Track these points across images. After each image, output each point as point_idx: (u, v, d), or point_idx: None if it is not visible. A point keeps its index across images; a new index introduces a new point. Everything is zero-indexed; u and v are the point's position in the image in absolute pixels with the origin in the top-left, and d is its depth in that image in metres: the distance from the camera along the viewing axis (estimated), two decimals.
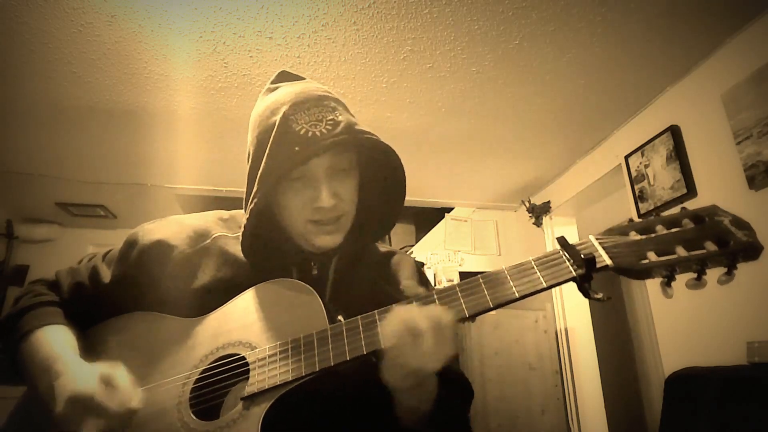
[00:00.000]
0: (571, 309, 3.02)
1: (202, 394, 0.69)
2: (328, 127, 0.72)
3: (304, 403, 0.68)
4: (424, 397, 0.67)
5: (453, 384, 0.79)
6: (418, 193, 3.31)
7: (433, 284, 3.35)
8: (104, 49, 1.85)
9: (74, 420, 0.62)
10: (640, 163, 2.30)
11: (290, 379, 0.64)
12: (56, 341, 0.74)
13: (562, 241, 0.66)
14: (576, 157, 2.85)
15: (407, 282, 0.69)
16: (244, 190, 0.79)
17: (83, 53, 1.87)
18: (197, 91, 2.13)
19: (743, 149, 1.77)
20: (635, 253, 0.62)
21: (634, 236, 0.64)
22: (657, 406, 2.17)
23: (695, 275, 0.61)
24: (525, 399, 2.79)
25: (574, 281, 0.63)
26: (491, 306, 0.63)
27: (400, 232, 4.38)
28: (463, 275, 3.32)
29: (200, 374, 0.70)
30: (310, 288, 0.72)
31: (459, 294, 0.65)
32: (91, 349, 0.76)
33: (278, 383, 0.64)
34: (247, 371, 0.67)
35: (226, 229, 0.85)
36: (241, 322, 0.73)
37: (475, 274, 0.67)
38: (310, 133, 0.71)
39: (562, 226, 3.19)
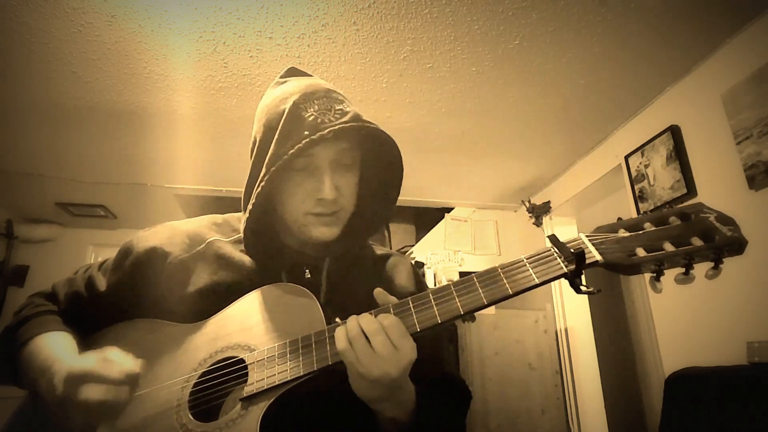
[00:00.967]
0: (571, 309, 3.02)
1: (201, 396, 0.69)
2: (336, 115, 0.73)
3: (302, 404, 0.68)
4: (401, 408, 0.67)
5: (443, 390, 0.79)
6: (418, 193, 3.31)
7: (433, 284, 3.36)
8: (104, 49, 1.85)
9: (74, 394, 0.63)
10: (640, 163, 2.30)
11: (288, 378, 0.65)
12: (56, 345, 0.75)
13: (553, 238, 0.67)
14: (576, 157, 2.85)
15: (378, 290, 0.69)
16: (243, 190, 0.79)
17: (83, 53, 1.87)
18: (197, 91, 2.13)
19: (743, 149, 1.77)
20: (624, 249, 0.64)
21: (622, 233, 0.66)
22: (657, 406, 2.17)
23: (683, 270, 0.64)
24: (525, 399, 2.79)
25: (565, 277, 0.64)
26: (485, 303, 0.64)
27: (400, 232, 4.38)
28: (463, 275, 3.32)
29: (199, 377, 0.70)
30: (308, 291, 0.73)
31: (453, 292, 0.66)
32: None
33: (277, 383, 0.65)
34: (246, 373, 0.68)
35: (220, 234, 0.85)
36: (239, 326, 0.73)
37: (475, 273, 0.68)
38: (319, 120, 0.72)
39: (562, 226, 3.19)
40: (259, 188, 0.72)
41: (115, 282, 0.82)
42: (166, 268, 0.79)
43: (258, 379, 0.66)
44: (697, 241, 0.63)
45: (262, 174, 0.73)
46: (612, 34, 1.82)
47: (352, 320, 0.64)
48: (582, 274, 0.64)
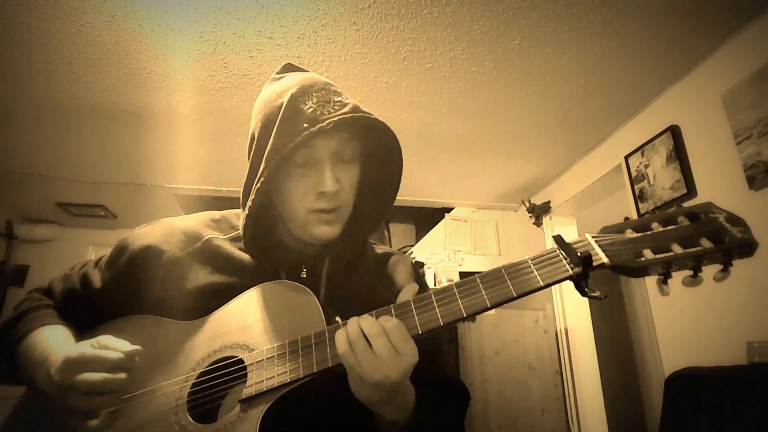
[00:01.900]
0: (571, 309, 3.02)
1: (199, 396, 0.68)
2: (335, 106, 0.72)
3: (302, 405, 0.68)
4: (401, 411, 0.67)
5: (442, 392, 0.78)
6: (418, 193, 3.31)
7: (433, 285, 3.35)
8: (104, 49, 1.85)
9: (72, 381, 0.63)
10: (640, 163, 2.30)
11: (288, 380, 0.64)
12: (52, 338, 0.75)
13: (558, 239, 0.65)
14: (576, 157, 2.85)
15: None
16: (242, 188, 0.79)
17: (83, 53, 1.87)
18: (197, 91, 2.13)
19: (743, 149, 1.77)
20: (631, 251, 0.62)
21: (630, 234, 0.64)
22: (657, 406, 2.17)
23: (691, 272, 0.61)
24: (525, 399, 2.79)
25: (570, 280, 0.62)
26: (488, 305, 0.63)
27: (400, 232, 4.38)
28: (463, 275, 3.32)
29: (197, 377, 0.70)
30: (308, 289, 0.72)
31: (456, 294, 0.65)
32: None
33: (276, 385, 0.64)
34: (245, 373, 0.67)
35: (218, 231, 0.84)
36: (238, 325, 0.72)
37: (475, 274, 0.67)
38: (318, 112, 0.71)
39: (562, 226, 3.19)
40: (259, 183, 0.71)
41: (110, 279, 0.82)
42: (161, 266, 0.78)
43: (257, 381, 0.65)
44: (706, 243, 0.61)
45: (261, 168, 0.71)
46: (612, 34, 1.82)
47: (353, 322, 0.63)
48: (588, 277, 0.62)
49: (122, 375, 0.65)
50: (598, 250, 0.63)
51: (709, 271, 0.62)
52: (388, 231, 4.25)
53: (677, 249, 0.61)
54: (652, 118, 2.27)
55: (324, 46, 1.88)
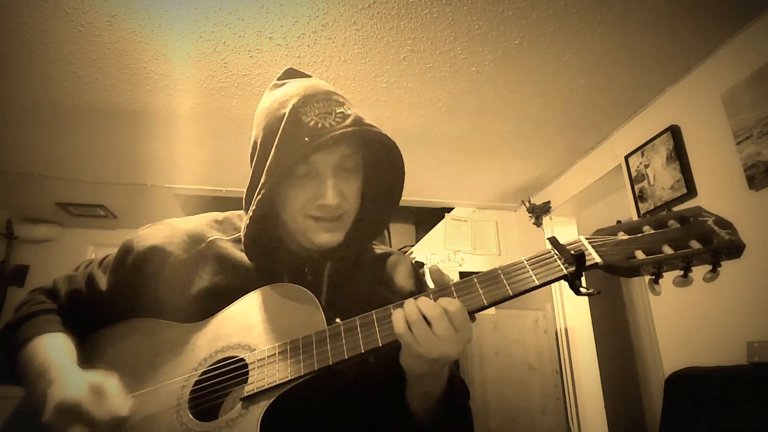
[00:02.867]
0: (571, 309, 3.02)
1: (201, 395, 0.69)
2: (337, 119, 0.72)
3: (303, 403, 0.68)
4: (439, 382, 0.70)
5: (455, 377, 0.80)
6: (418, 193, 3.31)
7: (432, 285, 3.36)
8: (104, 49, 1.85)
9: (60, 427, 0.62)
10: (640, 163, 2.30)
11: (289, 378, 0.65)
12: (53, 348, 0.74)
13: (553, 240, 0.68)
14: (576, 157, 2.85)
15: (434, 266, 0.71)
16: (244, 190, 0.79)
17: (83, 53, 1.87)
18: (197, 91, 2.13)
19: (743, 149, 1.77)
20: (623, 252, 0.65)
21: (622, 236, 0.67)
22: (657, 406, 2.17)
23: (681, 272, 0.64)
24: (525, 399, 2.79)
25: (565, 279, 0.65)
26: (486, 304, 0.65)
27: (400, 232, 4.38)
28: (463, 275, 3.32)
29: (199, 376, 0.70)
30: (309, 292, 0.73)
31: (454, 294, 0.66)
32: (90, 356, 0.77)
33: (277, 383, 0.65)
34: (247, 373, 0.68)
35: (221, 232, 0.84)
36: (240, 326, 0.73)
37: (475, 274, 0.68)
38: (319, 125, 0.71)
39: (562, 226, 3.19)
40: (260, 195, 0.71)
41: (115, 281, 0.82)
42: (166, 268, 0.79)
43: (258, 379, 0.66)
44: (695, 245, 0.64)
45: (262, 181, 0.72)
46: (612, 34, 1.82)
47: (410, 303, 0.64)
48: (582, 276, 0.64)
49: None
50: (591, 250, 0.65)
51: (700, 272, 0.64)
52: (388, 231, 4.25)
53: (668, 250, 0.64)
54: (652, 118, 2.27)
55: (324, 46, 1.88)
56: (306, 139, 0.70)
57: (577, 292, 0.64)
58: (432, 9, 1.69)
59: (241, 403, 0.65)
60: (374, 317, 0.67)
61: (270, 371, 0.66)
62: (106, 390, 0.65)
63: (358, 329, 0.66)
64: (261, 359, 0.68)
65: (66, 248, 3.62)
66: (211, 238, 0.82)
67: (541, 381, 2.86)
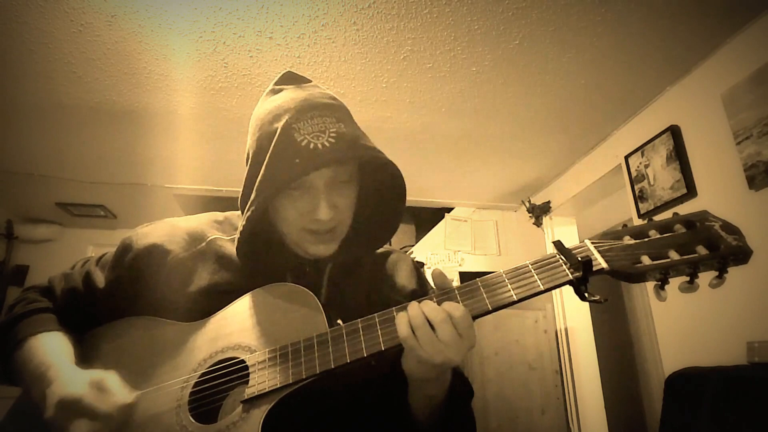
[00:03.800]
0: (571, 309, 3.02)
1: (201, 397, 0.68)
2: (330, 140, 0.70)
3: (304, 407, 0.68)
4: (441, 386, 0.69)
5: (458, 376, 0.80)
6: (418, 193, 3.31)
7: (432, 285, 3.36)
8: (104, 49, 1.85)
9: (63, 424, 0.62)
10: (640, 163, 2.30)
11: (290, 381, 0.64)
12: (50, 348, 0.74)
13: (558, 245, 0.67)
14: (576, 157, 2.85)
15: (437, 270, 0.70)
16: (239, 198, 0.79)
17: (83, 53, 1.87)
18: (197, 91, 2.13)
19: (743, 149, 1.77)
20: (630, 257, 0.64)
21: (628, 240, 0.66)
22: (657, 406, 2.17)
23: (687, 278, 0.64)
24: (525, 399, 2.79)
25: (570, 284, 0.64)
26: (490, 309, 0.64)
27: (400, 232, 4.38)
28: (463, 275, 3.32)
29: (199, 378, 0.70)
30: (310, 292, 0.72)
31: (458, 297, 0.65)
32: (87, 355, 0.76)
33: (278, 386, 0.64)
34: (247, 374, 0.67)
35: (221, 232, 0.84)
36: (240, 326, 0.72)
37: (475, 274, 0.68)
38: (311, 145, 0.69)
39: (562, 226, 3.19)
40: (250, 212, 0.71)
41: (113, 279, 0.81)
42: (165, 266, 0.78)
43: (259, 382, 0.65)
44: (702, 250, 0.63)
45: (252, 197, 0.71)
46: (612, 34, 1.82)
47: (414, 307, 0.64)
48: (588, 281, 0.63)
49: (114, 428, 0.64)
50: (597, 255, 0.65)
51: (706, 277, 0.64)
52: None
53: (674, 255, 0.63)
54: (652, 118, 2.27)
55: (324, 46, 1.88)
56: (297, 160, 0.68)
57: (583, 298, 0.63)
58: (432, 9, 1.69)
59: (241, 406, 0.65)
60: (377, 320, 0.66)
61: (271, 374, 0.66)
62: (107, 384, 0.65)
63: (361, 332, 0.66)
64: (262, 361, 0.67)
65: (66, 248, 3.62)
66: (211, 238, 0.82)
67: (541, 381, 2.86)
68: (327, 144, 0.70)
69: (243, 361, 0.69)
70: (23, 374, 0.73)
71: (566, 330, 2.98)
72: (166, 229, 0.83)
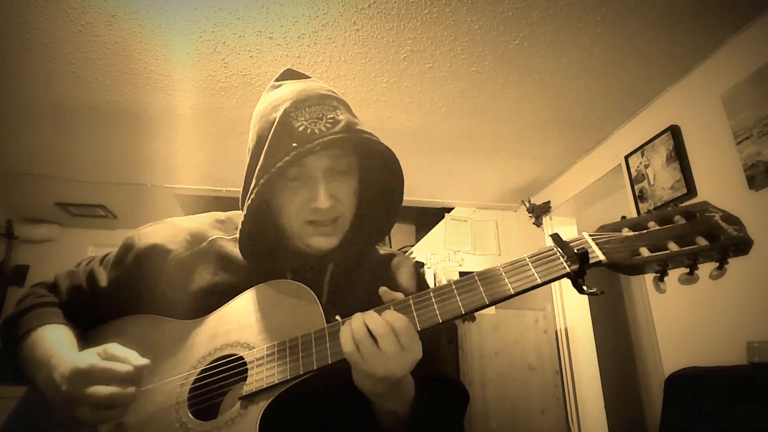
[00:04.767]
0: (571, 309, 3.02)
1: (200, 394, 0.69)
2: (327, 125, 0.71)
3: (302, 402, 0.68)
4: (400, 401, 0.67)
5: (440, 387, 0.79)
6: (418, 193, 3.31)
7: (433, 285, 3.35)
8: (104, 49, 1.85)
9: (80, 393, 0.62)
10: (640, 163, 2.30)
11: (288, 377, 0.64)
12: (55, 338, 0.75)
13: (556, 238, 0.66)
14: (576, 157, 2.85)
15: (383, 288, 0.69)
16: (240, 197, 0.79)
17: (83, 53, 1.87)
18: (197, 91, 2.13)
19: (743, 149, 1.77)
20: (628, 249, 0.63)
21: (626, 233, 0.65)
22: (657, 406, 2.17)
23: (687, 270, 0.62)
24: (525, 399, 2.79)
25: (568, 277, 0.63)
26: (486, 302, 0.63)
27: (400, 233, 4.38)
28: (463, 275, 3.32)
29: (198, 375, 0.70)
30: (308, 289, 0.72)
31: (454, 291, 0.65)
32: None
33: (276, 382, 0.65)
34: (245, 371, 0.67)
35: (223, 231, 0.84)
36: (239, 323, 0.73)
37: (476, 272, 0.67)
38: (309, 130, 0.70)
39: (562, 226, 3.19)
40: (249, 201, 0.71)
41: (116, 277, 0.82)
42: (167, 266, 0.79)
43: (257, 378, 0.66)
44: (702, 241, 0.62)
45: (252, 185, 0.72)
46: (612, 34, 1.82)
47: (357, 319, 0.63)
48: (585, 274, 0.63)
49: (131, 389, 0.64)
50: (595, 247, 0.64)
51: (706, 269, 0.62)
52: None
53: (673, 247, 0.62)
54: (652, 118, 2.27)
55: (324, 46, 1.88)
56: (294, 144, 0.69)
57: (581, 291, 0.62)
58: (432, 9, 1.69)
59: (240, 403, 0.65)
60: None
61: (269, 370, 0.66)
62: (114, 351, 0.65)
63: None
64: (260, 358, 0.68)
65: (66, 248, 3.62)
66: (212, 237, 0.82)
67: (541, 381, 2.86)
68: (324, 129, 0.71)
69: (241, 358, 0.69)
70: (29, 362, 0.73)
71: (566, 330, 2.98)
72: (167, 229, 0.84)
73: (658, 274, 0.63)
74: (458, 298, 0.64)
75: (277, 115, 0.73)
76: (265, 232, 0.80)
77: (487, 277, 0.65)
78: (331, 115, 0.73)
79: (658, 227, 0.65)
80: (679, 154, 2.07)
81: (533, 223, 3.31)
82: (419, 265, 3.31)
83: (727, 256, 0.61)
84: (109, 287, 0.82)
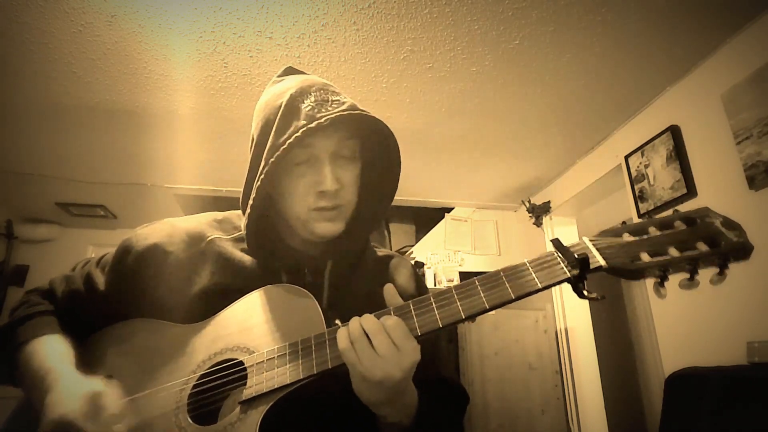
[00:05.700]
0: (571, 309, 3.02)
1: (200, 399, 0.68)
2: (333, 105, 0.73)
3: (302, 407, 0.68)
4: (403, 413, 0.67)
5: (442, 393, 0.78)
6: (418, 193, 3.31)
7: (433, 285, 3.34)
8: (104, 49, 1.85)
9: None
10: (640, 163, 2.30)
11: (288, 382, 0.64)
12: (50, 352, 0.74)
13: (556, 242, 0.66)
14: (576, 157, 2.85)
15: (389, 285, 0.69)
16: (242, 190, 0.78)
17: (83, 53, 1.87)
18: (197, 91, 2.13)
19: (743, 149, 1.77)
20: (628, 254, 0.63)
21: (627, 238, 0.65)
22: (657, 406, 2.17)
23: (688, 275, 0.63)
24: (525, 399, 2.79)
25: (568, 282, 0.63)
26: (487, 307, 0.63)
27: (400, 232, 4.38)
28: (463, 275, 3.32)
29: (198, 379, 0.70)
30: (308, 292, 0.72)
31: (455, 296, 0.65)
32: (88, 358, 0.76)
33: (276, 386, 0.64)
34: (245, 375, 0.67)
35: (221, 231, 0.84)
36: (238, 327, 0.72)
37: (475, 274, 0.68)
38: (315, 110, 0.72)
39: (562, 226, 3.18)
40: (259, 182, 0.71)
41: (114, 281, 0.81)
42: (166, 267, 0.78)
43: (257, 383, 0.65)
44: (702, 246, 0.62)
45: (261, 166, 0.72)
46: (612, 34, 1.82)
47: (354, 321, 0.64)
48: (586, 279, 0.63)
49: None
50: (595, 252, 0.64)
51: (706, 274, 0.63)
52: (388, 231, 4.25)
53: (674, 252, 0.62)
54: (652, 118, 2.27)
55: (324, 46, 1.88)
56: (303, 122, 0.71)
57: (581, 296, 0.63)
58: (432, 9, 1.69)
59: (239, 407, 0.65)
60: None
61: (269, 375, 0.66)
62: (103, 402, 0.64)
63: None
64: (260, 362, 0.67)
65: (66, 248, 3.62)
66: (211, 238, 0.82)
67: (541, 381, 2.86)
68: (330, 108, 0.73)
69: (241, 362, 0.69)
70: (24, 377, 0.73)
71: (566, 330, 2.98)
72: (165, 230, 0.83)
73: (659, 280, 0.63)
74: (458, 303, 0.64)
75: (284, 100, 0.74)
76: (266, 229, 0.80)
77: (488, 281, 0.65)
78: (336, 98, 0.75)
79: (658, 232, 0.65)
80: (679, 154, 2.07)
81: (533, 223, 3.31)
82: (419, 265, 3.31)
83: (728, 261, 0.61)
84: (108, 291, 0.81)
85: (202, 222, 0.85)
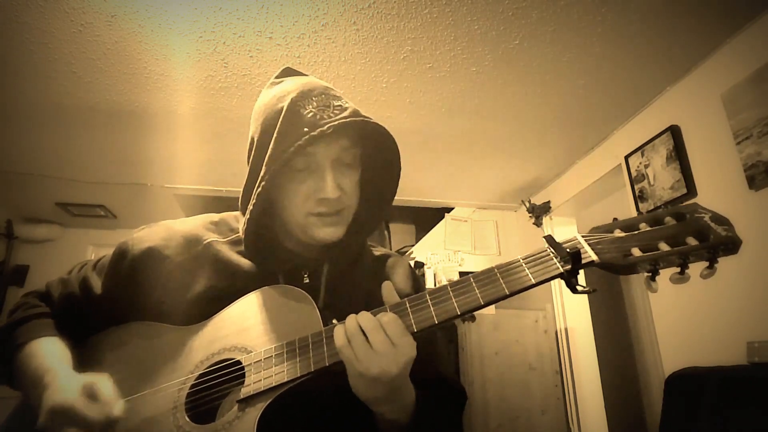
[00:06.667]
0: (571, 309, 3.02)
1: (198, 398, 0.69)
2: (335, 111, 0.73)
3: (300, 405, 0.68)
4: (401, 410, 0.67)
5: (441, 391, 0.78)
6: (418, 193, 3.31)
7: (433, 285, 3.34)
8: (104, 49, 1.85)
9: (54, 431, 0.62)
10: (640, 163, 2.30)
11: (286, 380, 0.64)
12: (48, 353, 0.74)
13: (549, 239, 0.68)
14: (576, 157, 2.85)
15: (387, 282, 0.69)
16: (241, 192, 0.78)
17: (83, 53, 1.87)
18: (197, 91, 2.13)
19: (743, 149, 1.77)
20: (620, 249, 0.65)
21: (618, 233, 0.67)
22: (657, 406, 2.17)
23: (678, 269, 0.64)
24: (525, 399, 2.79)
25: (561, 277, 0.64)
26: (482, 303, 0.64)
27: (400, 232, 4.38)
28: (463, 275, 3.31)
29: (196, 379, 0.70)
30: (305, 293, 0.72)
31: (450, 293, 0.66)
32: (86, 361, 0.76)
33: (274, 384, 0.65)
34: (243, 375, 0.67)
35: (217, 234, 0.84)
36: (236, 328, 0.73)
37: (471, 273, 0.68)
38: (318, 116, 0.71)
39: (562, 226, 3.18)
40: (260, 188, 0.71)
41: (110, 284, 0.81)
42: (162, 271, 0.78)
43: (255, 381, 0.66)
44: (692, 241, 0.64)
45: (262, 173, 0.72)
46: (612, 34, 1.82)
47: (351, 318, 0.64)
48: (578, 274, 0.64)
49: None
50: (587, 248, 0.65)
51: (697, 268, 0.64)
52: (388, 231, 4.25)
53: (664, 247, 0.64)
54: (652, 118, 2.27)
55: (324, 46, 1.88)
56: (305, 129, 0.70)
57: (574, 290, 0.64)
58: (432, 9, 1.69)
59: (237, 406, 0.65)
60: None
61: (266, 373, 0.66)
62: (98, 391, 0.65)
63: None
64: (257, 361, 0.68)
65: (66, 248, 3.62)
66: (207, 241, 0.81)
67: (541, 381, 2.86)
68: (332, 114, 0.72)
69: (239, 362, 0.69)
70: (22, 378, 0.73)
71: (566, 330, 2.98)
72: (161, 233, 0.83)
73: (650, 274, 0.64)
74: (453, 300, 0.65)
75: (285, 104, 0.74)
76: (264, 232, 0.79)
77: (482, 278, 0.66)
78: (338, 103, 0.74)
79: (649, 228, 0.66)
80: (679, 154, 2.07)
81: (533, 223, 3.31)
82: (419, 265, 3.31)
83: (717, 255, 0.63)
84: (104, 294, 0.81)
85: (198, 225, 0.85)
